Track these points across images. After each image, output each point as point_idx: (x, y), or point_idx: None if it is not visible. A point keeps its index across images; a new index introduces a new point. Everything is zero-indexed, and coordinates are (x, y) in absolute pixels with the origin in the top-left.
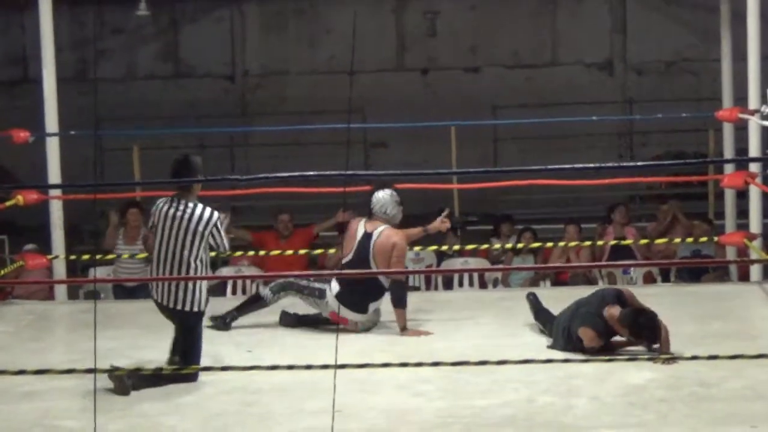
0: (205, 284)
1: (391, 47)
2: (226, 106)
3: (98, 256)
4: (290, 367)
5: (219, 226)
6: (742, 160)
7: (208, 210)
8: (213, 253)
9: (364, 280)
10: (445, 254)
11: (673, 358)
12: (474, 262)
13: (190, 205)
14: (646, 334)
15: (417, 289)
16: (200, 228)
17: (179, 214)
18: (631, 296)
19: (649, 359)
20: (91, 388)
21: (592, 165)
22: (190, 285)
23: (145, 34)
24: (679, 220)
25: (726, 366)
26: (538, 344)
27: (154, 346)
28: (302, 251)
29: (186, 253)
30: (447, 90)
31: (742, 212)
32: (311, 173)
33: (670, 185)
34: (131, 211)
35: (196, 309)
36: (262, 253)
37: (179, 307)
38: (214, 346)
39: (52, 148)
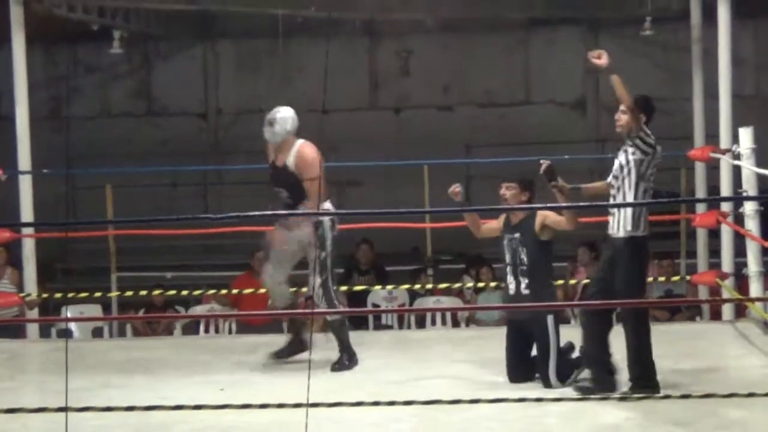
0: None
1: (364, 86)
2: (199, 145)
3: (70, 295)
4: (263, 406)
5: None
6: (714, 199)
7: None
8: None
9: None
10: (418, 293)
11: None
12: (447, 301)
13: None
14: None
15: (390, 327)
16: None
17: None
18: None
19: (621, 399)
20: (62, 428)
21: (564, 204)
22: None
23: (119, 72)
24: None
25: (699, 405)
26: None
27: (126, 385)
28: None
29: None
30: (420, 129)
31: (714, 251)
32: (284, 212)
33: None
34: None
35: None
36: (234, 291)
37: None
38: (185, 384)
39: (25, 186)
